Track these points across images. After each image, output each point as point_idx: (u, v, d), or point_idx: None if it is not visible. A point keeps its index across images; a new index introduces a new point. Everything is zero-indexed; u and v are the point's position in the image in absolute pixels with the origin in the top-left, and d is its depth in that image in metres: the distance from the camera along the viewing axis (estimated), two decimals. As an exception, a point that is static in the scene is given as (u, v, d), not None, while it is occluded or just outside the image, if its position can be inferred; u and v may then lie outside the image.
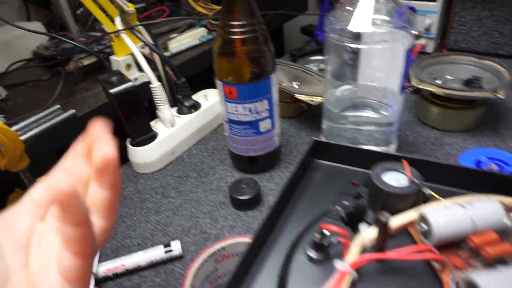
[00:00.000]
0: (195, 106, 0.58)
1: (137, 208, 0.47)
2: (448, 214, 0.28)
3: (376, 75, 0.44)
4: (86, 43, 0.71)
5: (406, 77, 0.41)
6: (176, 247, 0.39)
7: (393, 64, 0.41)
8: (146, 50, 0.60)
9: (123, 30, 0.53)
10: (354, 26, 0.39)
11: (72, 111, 0.48)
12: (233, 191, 0.45)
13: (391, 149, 0.48)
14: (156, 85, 0.52)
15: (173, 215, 0.45)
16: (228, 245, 0.34)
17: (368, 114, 0.45)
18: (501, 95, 0.47)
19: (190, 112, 0.57)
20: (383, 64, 0.41)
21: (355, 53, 0.41)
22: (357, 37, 0.39)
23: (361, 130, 0.46)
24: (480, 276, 0.24)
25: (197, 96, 0.61)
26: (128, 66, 0.60)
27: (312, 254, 0.30)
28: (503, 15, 0.68)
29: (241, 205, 0.44)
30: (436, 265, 0.27)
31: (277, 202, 0.33)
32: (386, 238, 0.28)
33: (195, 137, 0.58)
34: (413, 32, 0.39)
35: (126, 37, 0.54)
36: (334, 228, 0.28)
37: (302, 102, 0.55)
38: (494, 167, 0.44)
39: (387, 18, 0.39)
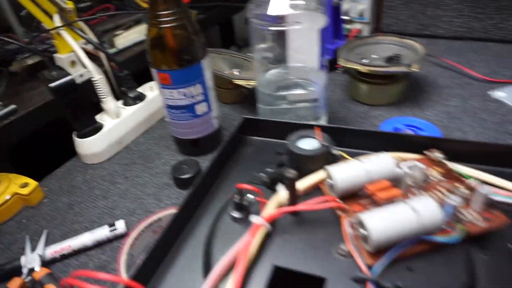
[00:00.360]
0: (140, 97, 0.60)
1: (85, 196, 0.49)
2: (348, 169, 0.33)
3: (299, 56, 0.47)
4: (29, 43, 0.71)
5: (323, 55, 0.45)
6: (120, 225, 0.42)
7: (311, 43, 0.44)
8: (90, 47, 0.61)
9: (61, 27, 0.54)
10: (271, 10, 0.42)
11: (13, 106, 0.49)
12: (175, 172, 0.47)
13: (321, 123, 0.52)
14: (97, 78, 0.54)
15: (120, 199, 0.48)
16: (164, 216, 0.37)
17: (296, 92, 0.49)
18: (415, 68, 0.52)
19: (135, 103, 0.59)
20: (302, 45, 0.45)
21: (279, 36, 0.45)
22: (276, 20, 0.43)
23: (291, 108, 0.50)
24: (365, 214, 0.28)
25: (143, 88, 0.63)
26: (73, 63, 0.61)
27: (235, 214, 0.33)
28: (425, -1, 0.74)
29: (183, 184, 0.47)
30: (339, 212, 0.32)
31: (204, 175, 0.37)
32: (295, 192, 0.32)
33: (142, 127, 0.60)
34: (323, 14, 0.43)
35: (65, 34, 0.56)
36: (247, 186, 0.31)
37: (242, 88, 0.59)
38: (408, 132, 0.49)
39: (302, 2, 0.43)
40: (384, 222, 0.27)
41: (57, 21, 0.56)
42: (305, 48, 0.45)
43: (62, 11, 0.57)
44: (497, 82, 0.60)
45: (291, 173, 0.31)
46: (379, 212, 0.28)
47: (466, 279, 0.27)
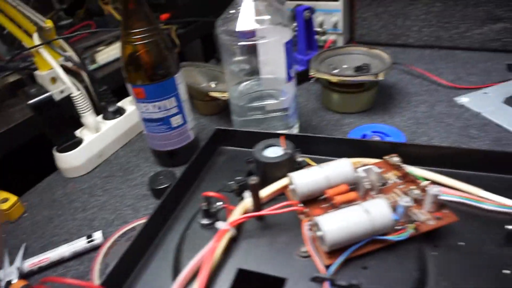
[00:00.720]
0: (120, 111, 0.61)
1: (65, 209, 0.50)
2: (308, 174, 0.34)
3: (269, 68, 0.50)
4: (10, 61, 0.73)
5: (291, 66, 0.48)
6: (97, 236, 0.43)
7: (278, 56, 0.47)
8: (70, 64, 0.63)
9: (39, 45, 0.56)
10: (239, 26, 0.45)
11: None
12: (152, 183, 0.49)
13: (294, 131, 0.54)
14: (76, 94, 0.56)
15: (99, 211, 0.49)
16: (137, 225, 0.39)
17: (266, 102, 0.51)
18: (380, 77, 0.55)
19: (114, 117, 0.61)
20: (270, 57, 0.47)
21: (248, 49, 0.47)
22: (243, 35, 0.45)
23: (264, 118, 0.52)
24: (321, 217, 0.30)
25: (123, 102, 0.65)
26: (53, 80, 0.63)
27: (203, 221, 0.35)
28: (395, 10, 0.77)
29: (159, 195, 0.49)
30: (300, 216, 0.33)
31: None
32: (258, 198, 0.34)
33: (122, 140, 0.62)
34: (289, 27, 0.46)
35: (44, 52, 0.57)
36: (212, 194, 0.33)
37: (218, 100, 0.61)
38: (376, 138, 0.51)
39: (268, 17, 0.45)
40: (338, 223, 0.29)
41: (36, 39, 0.57)
42: (273, 60, 0.47)
43: (41, 30, 0.59)
44: (462, 88, 0.63)
45: (253, 180, 0.33)
46: (334, 214, 0.30)
47: (417, 275, 0.29)
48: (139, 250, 0.34)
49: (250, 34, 0.45)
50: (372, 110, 0.61)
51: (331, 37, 0.82)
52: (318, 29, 0.78)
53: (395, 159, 0.37)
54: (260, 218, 0.35)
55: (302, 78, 0.68)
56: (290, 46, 0.47)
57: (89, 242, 0.43)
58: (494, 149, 0.47)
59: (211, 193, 0.33)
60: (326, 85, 0.61)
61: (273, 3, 0.46)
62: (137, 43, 0.45)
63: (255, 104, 0.52)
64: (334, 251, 0.29)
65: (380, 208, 0.30)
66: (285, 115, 0.51)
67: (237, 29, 0.45)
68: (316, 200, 0.35)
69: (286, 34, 0.46)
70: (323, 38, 0.81)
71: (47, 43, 0.57)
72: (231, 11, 0.45)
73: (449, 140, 0.52)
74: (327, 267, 0.29)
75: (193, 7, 0.91)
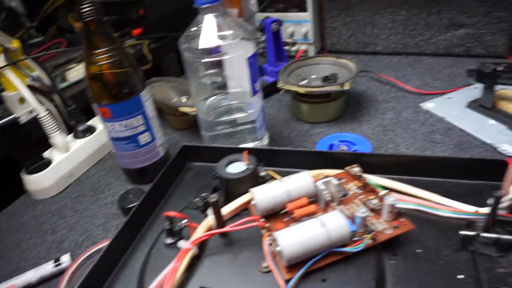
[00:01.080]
0: (90, 130, 0.61)
1: (33, 232, 0.50)
2: (269, 189, 0.35)
3: (234, 82, 0.50)
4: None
5: (255, 80, 0.48)
6: (65, 259, 0.42)
7: (242, 70, 0.47)
8: (38, 83, 0.62)
9: (3, 67, 0.56)
10: (201, 43, 0.45)
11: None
12: (121, 202, 0.49)
13: (264, 144, 0.54)
14: (42, 114, 0.55)
15: (69, 233, 0.48)
16: (104, 246, 0.38)
17: (233, 116, 0.52)
18: (346, 87, 0.56)
19: (84, 136, 0.60)
20: (235, 72, 0.48)
21: (213, 65, 0.48)
22: (206, 52, 0.46)
23: (232, 132, 0.52)
24: (278, 232, 0.30)
25: (94, 121, 0.64)
26: (21, 100, 0.62)
27: (167, 240, 0.35)
28: (362, 19, 0.79)
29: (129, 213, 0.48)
30: (262, 231, 0.34)
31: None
32: (219, 215, 0.34)
33: (93, 159, 0.61)
34: (251, 42, 0.46)
35: (9, 74, 0.57)
36: (172, 213, 0.33)
37: (188, 114, 0.61)
38: (344, 148, 0.52)
39: (230, 32, 0.46)
40: (294, 238, 0.29)
41: (1, 61, 0.57)
42: (238, 75, 0.48)
43: (6, 51, 0.58)
44: (427, 94, 0.64)
45: (213, 197, 0.33)
46: (291, 229, 0.30)
47: (376, 284, 0.29)
48: (102, 272, 0.34)
49: (213, 50, 0.46)
50: (342, 118, 0.62)
51: (302, 47, 0.83)
52: (288, 40, 0.79)
53: (356, 169, 0.38)
54: (224, 235, 0.35)
55: (273, 89, 0.69)
56: (254, 61, 0.47)
57: (56, 266, 0.42)
58: (451, 155, 0.49)
59: (172, 213, 0.33)
60: (295, 96, 0.62)
61: (235, 18, 0.46)
62: (100, 63, 0.45)
63: (223, 118, 0.52)
64: (293, 265, 0.30)
65: (336, 221, 0.30)
66: (253, 127, 0.52)
67: (199, 47, 0.45)
68: (278, 214, 0.35)
69: (249, 49, 0.46)
70: (293, 48, 0.82)
71: (12, 64, 0.56)
72: (192, 29, 0.46)
73: (414, 146, 0.53)
74: (287, 281, 0.29)
75: (164, 22, 0.91)
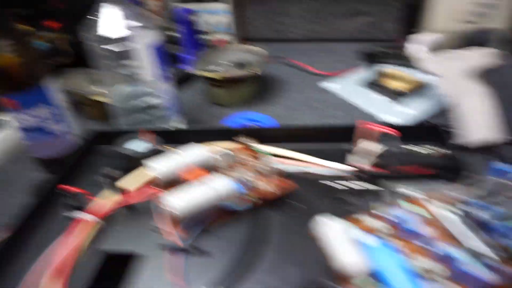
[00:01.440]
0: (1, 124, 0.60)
1: None
2: (167, 162, 0.38)
3: (143, 70, 0.52)
4: None
5: (165, 67, 0.51)
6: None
7: (149, 59, 0.50)
8: None
9: None
10: (104, 31, 0.47)
11: None
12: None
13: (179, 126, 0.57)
14: None
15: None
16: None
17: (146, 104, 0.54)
18: (257, 71, 0.61)
19: (-5, 130, 0.59)
20: (142, 61, 0.50)
21: (118, 55, 0.50)
22: (108, 41, 0.48)
23: (146, 120, 0.55)
24: (168, 194, 0.34)
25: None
26: None
27: (70, 214, 0.37)
28: (277, 8, 0.85)
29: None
30: (158, 199, 0.37)
31: (43, 187, 0.40)
32: (122, 189, 0.37)
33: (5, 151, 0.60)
34: (156, 31, 0.49)
35: None
36: (70, 188, 0.35)
37: (103, 104, 0.62)
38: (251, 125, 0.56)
39: (134, 22, 0.48)
40: (184, 196, 0.33)
41: None
42: (146, 63, 0.50)
43: None
44: (330, 76, 0.71)
45: (111, 171, 0.36)
46: (178, 191, 0.34)
47: (263, 235, 0.34)
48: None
49: (117, 39, 0.48)
50: (254, 101, 0.67)
51: (221, 36, 0.87)
52: (206, 30, 0.83)
53: (246, 140, 0.42)
54: (129, 207, 0.38)
55: (189, 77, 0.72)
56: (161, 49, 0.50)
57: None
58: (322, 124, 0.55)
59: (69, 187, 0.35)
60: (211, 82, 0.66)
61: (136, 8, 0.49)
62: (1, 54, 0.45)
63: (135, 105, 0.54)
64: (188, 225, 0.34)
65: (223, 181, 0.35)
66: (167, 114, 0.54)
67: (100, 34, 0.47)
68: (176, 183, 0.38)
69: (154, 37, 0.49)
70: (211, 37, 0.85)
71: None
72: (94, 18, 0.48)
73: (314, 121, 0.59)
74: (183, 240, 0.33)
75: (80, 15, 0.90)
